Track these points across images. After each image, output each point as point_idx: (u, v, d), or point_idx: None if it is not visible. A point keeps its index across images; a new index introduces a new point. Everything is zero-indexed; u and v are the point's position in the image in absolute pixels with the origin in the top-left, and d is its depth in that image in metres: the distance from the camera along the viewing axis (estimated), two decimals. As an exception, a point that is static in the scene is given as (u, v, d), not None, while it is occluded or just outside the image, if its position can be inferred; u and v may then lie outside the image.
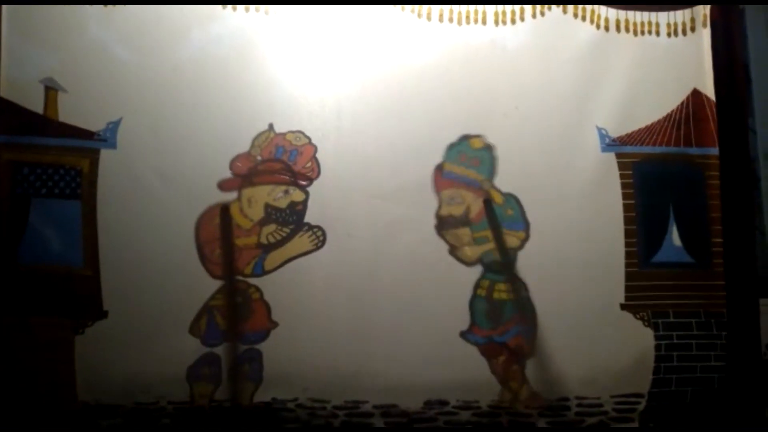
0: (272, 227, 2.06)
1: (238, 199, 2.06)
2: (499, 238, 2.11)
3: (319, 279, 2.05)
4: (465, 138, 2.14)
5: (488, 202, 2.13)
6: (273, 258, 2.05)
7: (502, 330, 2.09)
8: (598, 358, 2.08)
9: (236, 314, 2.01)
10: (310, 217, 2.07)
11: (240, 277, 2.03)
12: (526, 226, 2.13)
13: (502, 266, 2.11)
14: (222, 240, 2.03)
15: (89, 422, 1.93)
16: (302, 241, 2.06)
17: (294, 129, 2.10)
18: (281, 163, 2.08)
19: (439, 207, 2.11)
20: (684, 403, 2.09)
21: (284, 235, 2.06)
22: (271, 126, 2.09)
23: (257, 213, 2.07)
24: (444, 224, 2.11)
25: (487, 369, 2.07)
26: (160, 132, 2.04)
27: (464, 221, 2.12)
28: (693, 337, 2.12)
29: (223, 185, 2.05)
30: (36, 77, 1.99)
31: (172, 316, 1.99)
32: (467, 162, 2.14)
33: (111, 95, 2.02)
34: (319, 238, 2.07)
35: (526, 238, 2.12)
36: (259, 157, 2.08)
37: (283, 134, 2.10)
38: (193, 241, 2.02)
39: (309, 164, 2.09)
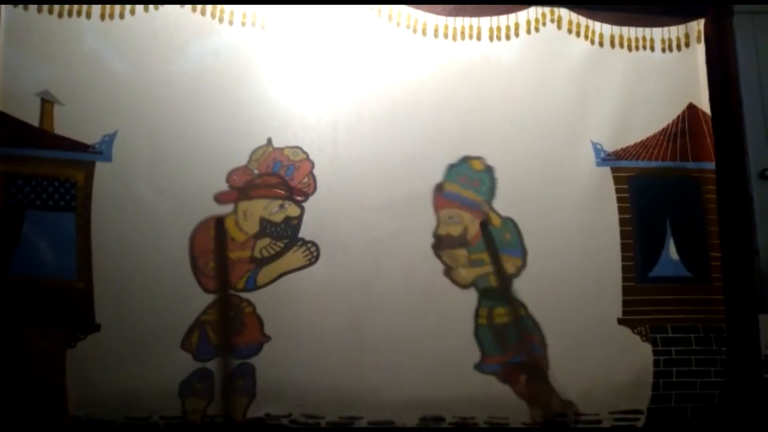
0: (266, 241, 2.06)
1: (234, 212, 2.06)
2: (496, 262, 2.10)
3: (313, 293, 2.04)
4: (466, 159, 2.14)
5: (485, 225, 2.12)
6: (266, 272, 2.04)
7: (515, 351, 2.06)
8: (596, 373, 2.05)
9: (229, 328, 2.00)
10: (304, 232, 2.07)
11: (233, 291, 2.02)
12: (524, 253, 2.11)
13: (497, 291, 2.09)
14: (216, 253, 2.03)
15: (80, 437, 1.91)
16: (296, 256, 2.06)
17: (291, 144, 2.11)
18: (278, 178, 2.08)
19: (438, 226, 2.11)
20: (684, 419, 2.05)
21: (278, 249, 2.05)
22: (269, 140, 2.10)
23: (252, 226, 2.06)
24: (441, 244, 2.10)
25: (512, 393, 2.04)
26: (156, 145, 2.05)
27: (461, 242, 2.11)
28: (692, 352, 2.10)
29: (219, 198, 2.05)
30: (32, 89, 2.01)
31: (164, 330, 1.97)
32: (468, 183, 2.14)
33: (107, 108, 2.04)
34: (313, 253, 2.06)
35: (523, 266, 2.11)
36: (256, 171, 2.08)
37: (281, 149, 2.10)
38: (188, 253, 2.01)
39: (306, 180, 2.09)
